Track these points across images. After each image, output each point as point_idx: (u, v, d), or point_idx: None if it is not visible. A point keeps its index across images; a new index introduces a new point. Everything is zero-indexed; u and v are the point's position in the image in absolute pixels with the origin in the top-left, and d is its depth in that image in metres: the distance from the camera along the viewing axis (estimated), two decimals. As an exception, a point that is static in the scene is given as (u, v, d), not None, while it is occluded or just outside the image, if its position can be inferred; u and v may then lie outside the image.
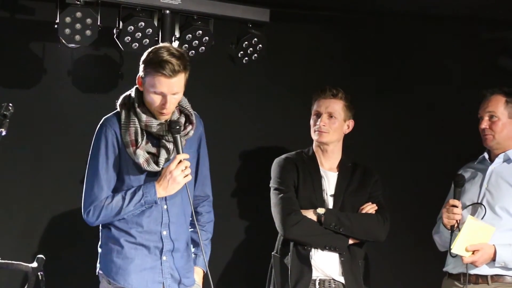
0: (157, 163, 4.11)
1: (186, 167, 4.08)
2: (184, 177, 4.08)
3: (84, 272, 4.96)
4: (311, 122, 5.09)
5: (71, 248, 5.45)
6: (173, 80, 4.01)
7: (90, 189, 4.13)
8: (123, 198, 4.10)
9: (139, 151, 4.08)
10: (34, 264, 4.07)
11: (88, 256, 4.58)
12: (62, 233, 5.49)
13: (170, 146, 4.13)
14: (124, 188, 4.13)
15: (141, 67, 4.09)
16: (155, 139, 4.14)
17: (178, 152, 4.10)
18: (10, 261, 4.05)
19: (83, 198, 4.16)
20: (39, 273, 4.08)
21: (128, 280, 4.12)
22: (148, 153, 4.11)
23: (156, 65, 3.99)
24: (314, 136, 5.07)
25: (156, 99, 4.05)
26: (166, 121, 4.14)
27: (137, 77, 4.13)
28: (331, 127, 5.01)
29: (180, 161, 4.08)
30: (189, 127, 4.19)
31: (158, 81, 4.00)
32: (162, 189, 4.10)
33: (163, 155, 4.12)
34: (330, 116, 5.01)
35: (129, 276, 4.12)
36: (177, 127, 4.10)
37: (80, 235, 5.29)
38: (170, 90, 4.03)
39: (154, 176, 4.15)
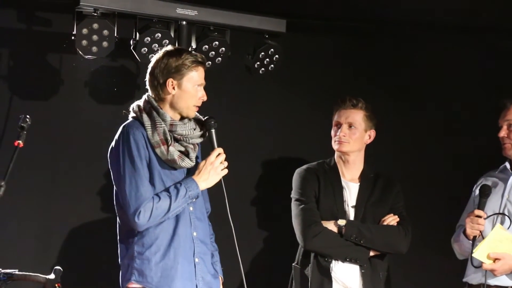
0: (190, 159, 4.20)
1: (221, 162, 4.24)
2: (222, 169, 4.23)
3: (102, 284, 4.98)
4: (332, 132, 5.06)
5: (89, 259, 5.45)
6: (204, 70, 4.29)
7: (135, 190, 4.10)
8: (169, 196, 4.13)
9: (171, 148, 4.15)
10: (52, 276, 4.06)
11: (105, 267, 4.58)
12: (80, 245, 5.49)
13: (192, 147, 4.23)
14: (156, 191, 4.15)
15: (174, 69, 4.19)
16: (176, 141, 4.21)
17: (214, 146, 4.25)
18: (27, 273, 4.04)
19: (128, 201, 4.10)
20: (56, 285, 4.07)
21: (172, 286, 4.13)
22: (178, 151, 4.19)
23: (193, 59, 4.21)
24: (334, 146, 5.03)
25: (197, 92, 4.23)
26: (184, 123, 4.22)
27: (167, 83, 4.18)
28: (351, 137, 4.97)
29: (219, 154, 4.23)
30: (203, 130, 4.31)
31: (200, 72, 4.24)
32: (203, 181, 4.20)
33: (191, 152, 4.21)
34: (350, 126, 4.97)
35: (172, 282, 4.13)
36: (212, 122, 4.27)
37: (98, 246, 5.30)
38: (204, 80, 4.27)
39: (185, 175, 4.24)
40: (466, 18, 5.77)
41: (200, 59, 4.23)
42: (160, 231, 4.15)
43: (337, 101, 5.05)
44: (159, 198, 4.11)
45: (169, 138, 4.15)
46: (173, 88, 4.19)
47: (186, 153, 4.19)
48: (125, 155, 4.14)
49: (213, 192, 4.38)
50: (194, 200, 4.20)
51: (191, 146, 4.22)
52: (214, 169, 4.21)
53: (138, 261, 4.16)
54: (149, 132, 4.16)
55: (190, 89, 4.20)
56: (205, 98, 4.25)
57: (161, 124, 4.16)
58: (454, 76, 6.07)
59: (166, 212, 4.11)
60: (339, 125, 5.00)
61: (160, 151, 4.15)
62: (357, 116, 4.98)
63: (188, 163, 4.19)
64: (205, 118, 4.29)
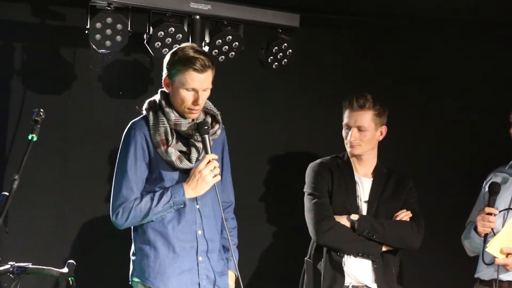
0: (189, 160, 4.13)
1: (215, 167, 4.12)
2: (213, 177, 4.12)
3: (115, 277, 4.99)
4: (343, 133, 4.98)
5: (102, 253, 5.47)
6: (204, 75, 4.07)
7: (118, 191, 4.13)
8: (152, 199, 4.10)
9: (170, 149, 4.10)
10: (65, 270, 4.06)
11: (118, 261, 4.59)
12: (93, 239, 5.51)
13: (199, 145, 4.15)
14: (157, 190, 4.14)
15: (168, 68, 4.12)
16: (184, 139, 4.17)
17: (206, 152, 4.13)
18: (41, 267, 4.04)
19: (112, 200, 4.16)
20: (69, 279, 4.07)
21: (168, 284, 4.11)
22: (179, 151, 4.14)
23: (186, 61, 4.05)
24: (347, 148, 4.99)
25: (188, 96, 4.09)
26: (193, 120, 4.17)
27: (163, 79, 4.16)
28: (362, 140, 4.91)
29: (209, 161, 4.11)
30: (216, 126, 4.23)
31: (190, 77, 4.05)
32: (191, 189, 4.11)
33: (194, 152, 4.13)
34: (360, 129, 4.91)
35: (168, 279, 4.12)
36: (205, 127, 4.13)
37: (111, 240, 5.31)
38: (201, 85, 4.08)
39: (186, 176, 4.15)
40: (485, 14, 5.75)
41: (197, 67, 4.03)
42: (166, 227, 4.14)
43: (345, 101, 4.97)
44: (140, 201, 4.11)
45: (170, 139, 4.11)
46: (167, 85, 4.14)
47: (187, 153, 4.14)
48: (121, 154, 4.17)
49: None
50: (182, 206, 4.12)
51: (199, 145, 4.15)
52: (202, 178, 4.09)
53: (138, 257, 4.18)
54: (152, 131, 4.12)
55: (179, 91, 4.09)
56: (198, 103, 4.08)
57: (164, 124, 4.12)
58: (468, 71, 6.05)
59: (145, 215, 4.10)
60: (349, 127, 4.93)
61: (160, 151, 4.12)
62: (366, 118, 4.89)
63: (186, 165, 4.12)
64: (198, 122, 4.16)
